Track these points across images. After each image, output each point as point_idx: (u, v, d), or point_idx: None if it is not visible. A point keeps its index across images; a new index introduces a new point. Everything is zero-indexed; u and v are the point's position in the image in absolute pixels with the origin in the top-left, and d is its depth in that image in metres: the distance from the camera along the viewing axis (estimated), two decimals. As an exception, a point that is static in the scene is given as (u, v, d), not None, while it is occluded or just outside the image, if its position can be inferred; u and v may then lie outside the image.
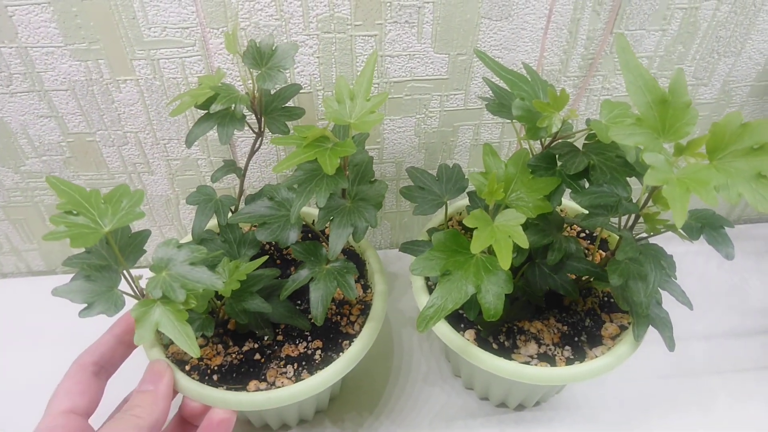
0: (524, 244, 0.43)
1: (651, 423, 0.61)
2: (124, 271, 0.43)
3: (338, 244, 0.48)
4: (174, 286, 0.40)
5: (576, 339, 0.54)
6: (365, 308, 0.56)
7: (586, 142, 0.49)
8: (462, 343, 0.51)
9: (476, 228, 0.44)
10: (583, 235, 0.63)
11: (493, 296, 0.45)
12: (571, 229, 0.64)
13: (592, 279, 0.53)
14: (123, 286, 0.43)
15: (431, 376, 0.66)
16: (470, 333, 0.54)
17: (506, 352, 0.53)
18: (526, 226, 0.49)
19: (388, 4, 0.56)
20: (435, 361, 0.67)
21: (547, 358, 0.52)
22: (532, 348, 0.53)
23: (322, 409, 0.61)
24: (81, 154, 0.65)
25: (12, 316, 0.72)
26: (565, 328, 0.55)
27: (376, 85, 0.62)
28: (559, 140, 0.50)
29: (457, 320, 0.55)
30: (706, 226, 0.45)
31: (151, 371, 0.47)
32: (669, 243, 0.81)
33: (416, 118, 0.66)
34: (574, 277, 0.57)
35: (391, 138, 0.68)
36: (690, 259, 0.80)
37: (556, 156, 0.49)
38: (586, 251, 0.60)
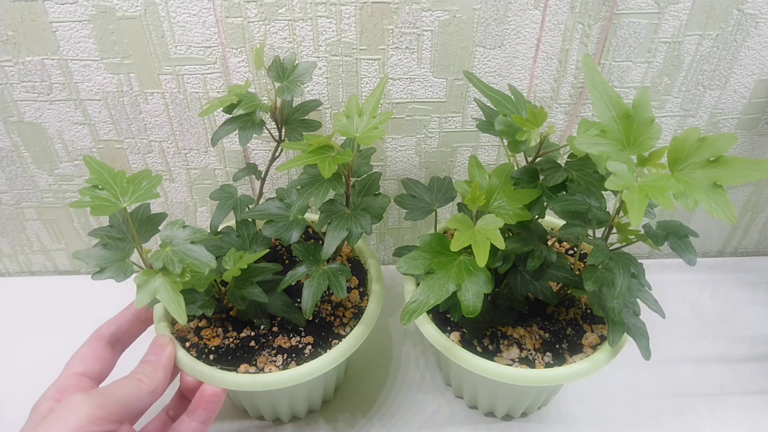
0: (500, 245, 0.46)
1: (635, 440, 0.63)
2: (138, 246, 0.48)
3: (332, 245, 0.52)
4: (173, 260, 0.45)
5: (557, 346, 0.57)
6: (359, 312, 0.60)
7: (568, 159, 0.53)
8: (447, 343, 0.55)
9: (457, 229, 0.48)
10: (571, 252, 0.66)
11: (472, 295, 0.48)
12: (561, 246, 0.67)
13: (570, 289, 0.56)
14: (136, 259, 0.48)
15: (425, 385, 0.69)
16: (455, 335, 0.57)
17: (489, 354, 0.56)
18: (509, 236, 0.53)
19: (390, 30, 0.62)
20: (429, 372, 0.70)
21: (527, 362, 0.55)
22: (514, 352, 0.56)
23: (315, 409, 0.65)
24: (109, 160, 0.71)
25: (39, 313, 0.77)
26: (547, 335, 0.58)
27: (380, 105, 0.67)
28: (543, 156, 0.54)
29: (444, 323, 0.58)
30: (671, 235, 0.49)
31: (155, 344, 0.52)
32: (664, 272, 0.84)
33: (417, 138, 0.71)
34: (557, 287, 0.60)
35: (394, 156, 0.72)
36: (684, 288, 0.82)
37: (539, 170, 0.53)
38: (572, 266, 0.63)
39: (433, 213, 0.58)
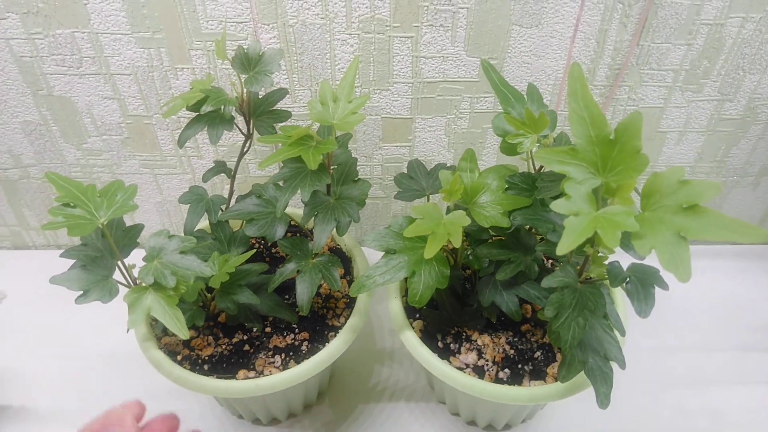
0: (457, 243, 0.44)
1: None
2: (119, 262, 0.46)
3: (322, 238, 0.50)
4: (165, 273, 0.42)
5: (519, 366, 0.53)
6: (351, 302, 0.58)
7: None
8: (407, 330, 0.53)
9: (422, 218, 0.46)
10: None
11: (422, 285, 0.47)
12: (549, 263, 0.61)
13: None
14: (117, 276, 0.46)
15: (417, 394, 0.65)
16: (419, 323, 0.55)
17: (449, 353, 0.53)
18: (491, 240, 0.50)
19: (425, 7, 0.58)
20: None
21: (478, 371, 0.52)
22: (471, 358, 0.53)
23: (311, 404, 0.63)
24: (138, 135, 0.71)
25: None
26: (513, 352, 0.54)
27: (410, 84, 0.64)
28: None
29: (413, 311, 0.56)
30: (635, 279, 0.43)
31: None
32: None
33: (447, 118, 0.67)
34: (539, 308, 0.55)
35: (422, 136, 0.69)
36: (709, 275, 0.76)
37: (538, 180, 0.48)
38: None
39: (425, 197, 0.55)
